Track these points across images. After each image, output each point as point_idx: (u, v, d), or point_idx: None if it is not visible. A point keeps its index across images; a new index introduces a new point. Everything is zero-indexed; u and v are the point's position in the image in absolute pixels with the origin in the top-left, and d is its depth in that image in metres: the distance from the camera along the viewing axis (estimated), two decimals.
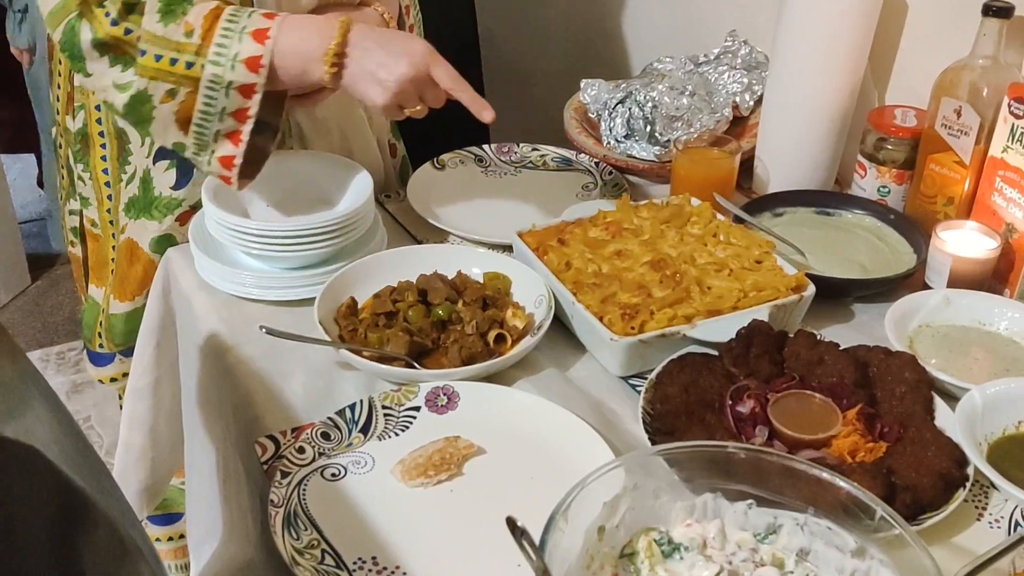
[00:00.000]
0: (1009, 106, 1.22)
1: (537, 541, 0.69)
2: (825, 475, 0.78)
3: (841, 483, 0.77)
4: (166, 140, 1.21)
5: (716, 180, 1.44)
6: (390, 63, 1.16)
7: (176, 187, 1.37)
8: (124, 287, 1.45)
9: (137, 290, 1.44)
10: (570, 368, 1.17)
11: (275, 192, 1.32)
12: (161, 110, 1.17)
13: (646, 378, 1.09)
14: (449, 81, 1.19)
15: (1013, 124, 1.22)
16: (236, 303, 1.25)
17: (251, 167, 1.23)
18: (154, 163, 1.37)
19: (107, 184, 1.42)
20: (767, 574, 0.76)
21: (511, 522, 0.65)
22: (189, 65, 1.15)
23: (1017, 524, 0.95)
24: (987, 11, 1.26)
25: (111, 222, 1.44)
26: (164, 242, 1.39)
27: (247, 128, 1.18)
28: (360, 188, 1.31)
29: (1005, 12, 1.26)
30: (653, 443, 0.99)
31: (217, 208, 1.23)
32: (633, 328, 1.12)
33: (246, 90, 1.16)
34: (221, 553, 1.24)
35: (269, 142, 1.25)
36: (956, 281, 1.25)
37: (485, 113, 1.20)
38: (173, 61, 1.15)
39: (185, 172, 1.36)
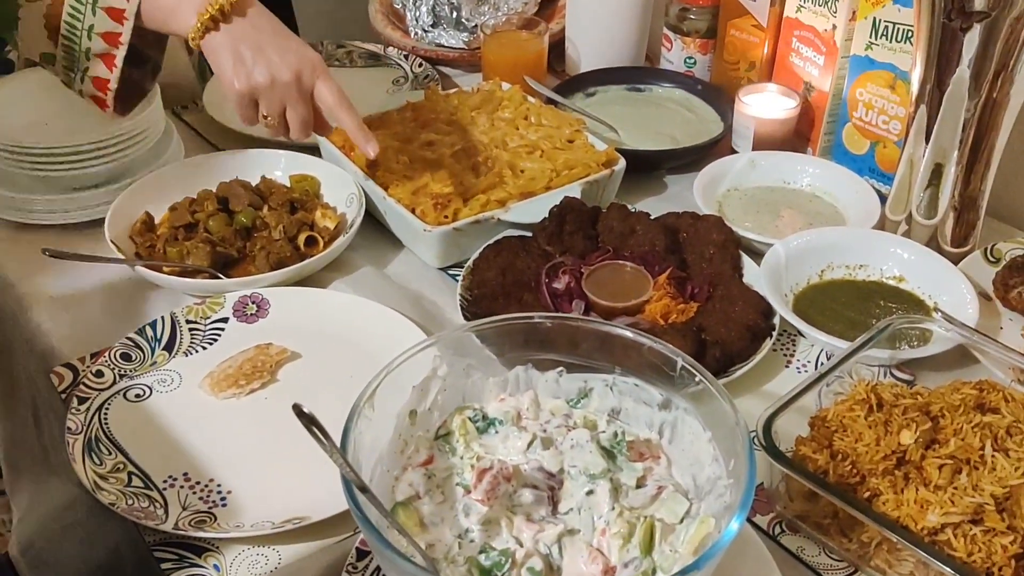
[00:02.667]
0: None
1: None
2: (628, 334, 0.78)
3: (643, 340, 0.77)
4: (34, 49, 1.08)
5: (526, 63, 1.42)
6: (270, 53, 1.03)
7: None
8: None
9: None
10: (388, 265, 1.14)
11: (54, 107, 1.21)
12: (29, 9, 1.04)
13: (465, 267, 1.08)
14: (335, 100, 1.06)
15: None
16: (23, 232, 1.16)
17: (127, 102, 1.13)
18: None
19: None
20: (578, 435, 0.76)
21: (297, 409, 0.62)
22: None
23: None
24: None
25: None
26: None
27: (120, 53, 1.06)
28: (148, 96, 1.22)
29: None
30: None
31: None
32: (446, 217, 1.10)
33: (115, 14, 1.03)
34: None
35: (148, 78, 1.14)
36: (761, 143, 1.28)
37: (370, 147, 1.07)
38: None
39: None
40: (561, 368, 0.80)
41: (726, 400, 0.71)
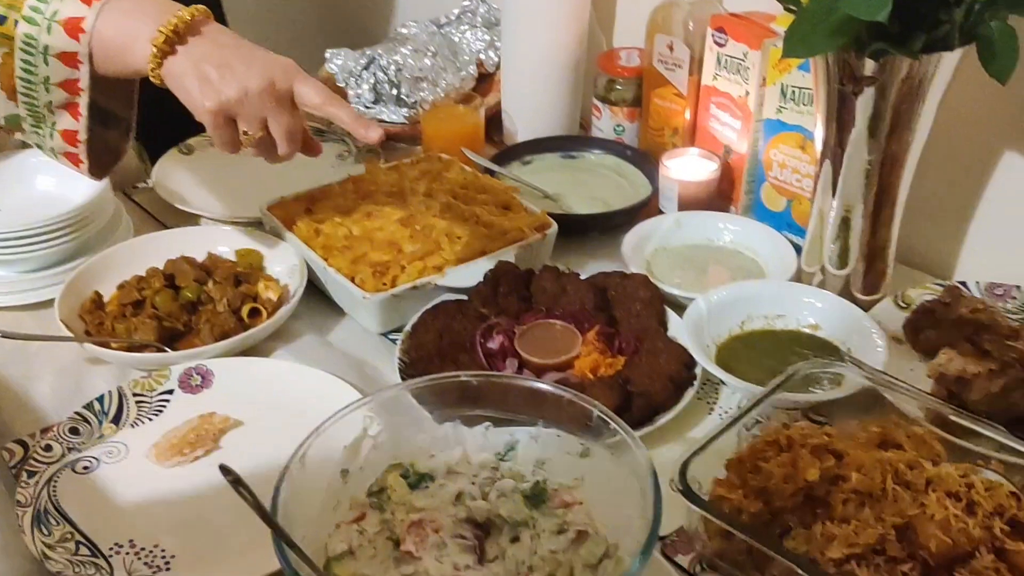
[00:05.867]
0: (713, 36, 1.32)
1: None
2: (549, 388, 0.83)
3: (562, 393, 0.82)
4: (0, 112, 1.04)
5: (464, 135, 1.48)
6: (236, 66, 0.97)
7: None
8: None
9: None
10: (330, 332, 1.18)
11: (9, 195, 1.26)
12: None
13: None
14: (320, 98, 1.01)
15: (718, 53, 1.32)
16: None
17: (103, 165, 1.10)
18: None
19: None
20: (504, 486, 0.80)
21: (223, 468, 0.66)
22: (2, 20, 0.96)
23: None
24: None
25: None
26: None
27: (83, 100, 1.01)
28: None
29: None
30: None
31: None
32: (385, 284, 1.15)
33: (68, 59, 0.98)
34: None
35: (122, 140, 1.10)
36: (685, 204, 1.35)
37: (371, 132, 1.03)
38: None
39: None
40: (488, 423, 0.85)
41: (637, 446, 0.76)
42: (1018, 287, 1.18)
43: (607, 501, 0.79)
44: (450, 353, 1.08)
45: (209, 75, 0.97)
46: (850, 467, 0.85)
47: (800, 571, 0.77)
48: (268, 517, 0.65)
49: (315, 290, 1.20)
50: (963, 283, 1.19)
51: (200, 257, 1.22)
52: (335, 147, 1.56)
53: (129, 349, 1.08)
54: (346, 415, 0.80)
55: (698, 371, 1.05)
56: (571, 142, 1.54)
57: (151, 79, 1.00)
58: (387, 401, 0.84)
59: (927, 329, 1.10)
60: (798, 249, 1.24)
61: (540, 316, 1.12)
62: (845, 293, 1.17)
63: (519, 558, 0.75)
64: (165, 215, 1.40)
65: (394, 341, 1.16)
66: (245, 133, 1.02)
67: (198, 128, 1.50)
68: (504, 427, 0.85)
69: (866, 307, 1.14)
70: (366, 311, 1.15)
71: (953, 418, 0.92)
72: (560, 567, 0.73)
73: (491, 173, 1.42)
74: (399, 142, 1.60)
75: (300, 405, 1.02)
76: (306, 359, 1.10)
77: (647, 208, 1.37)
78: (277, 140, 1.02)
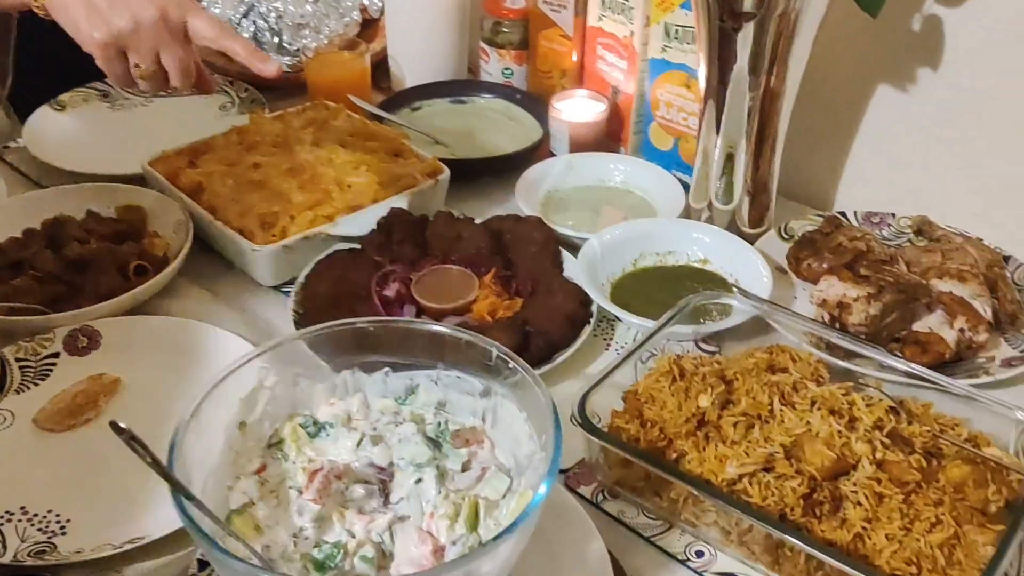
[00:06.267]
0: None
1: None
2: (447, 331, 0.83)
3: (461, 335, 0.82)
4: None
5: (349, 82, 1.46)
6: None
7: None
8: None
9: None
10: (220, 287, 1.16)
11: None
12: None
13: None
14: (214, 31, 0.97)
15: None
16: None
17: None
18: None
19: None
20: (405, 430, 0.80)
21: (115, 426, 0.64)
22: None
23: None
24: None
25: None
26: None
27: None
28: None
29: None
30: None
31: None
32: (275, 235, 1.13)
33: None
34: None
35: None
36: (576, 146, 1.36)
37: (269, 67, 1.00)
38: None
39: None
40: (387, 368, 0.85)
41: (537, 383, 0.77)
42: (893, 215, 1.24)
43: (509, 438, 0.80)
44: (346, 303, 1.07)
45: (97, 4, 0.93)
46: (739, 392, 0.88)
47: (696, 492, 0.80)
48: (165, 472, 0.64)
49: (203, 245, 1.17)
50: (842, 213, 1.24)
51: (80, 216, 1.17)
52: (217, 98, 1.51)
53: (10, 313, 1.04)
54: (240, 367, 0.78)
55: (594, 309, 1.07)
56: (460, 87, 1.53)
57: (36, 11, 0.94)
58: (282, 352, 0.82)
59: (809, 258, 1.14)
60: (686, 187, 1.26)
61: (436, 262, 1.12)
62: (732, 227, 1.20)
63: (424, 498, 0.75)
64: (40, 175, 1.33)
65: (287, 293, 1.14)
66: (137, 66, 0.97)
67: (69, 84, 1.46)
68: (404, 372, 0.85)
69: (752, 240, 1.17)
70: (256, 264, 1.13)
71: (836, 341, 0.97)
72: (465, 504, 0.74)
73: (379, 120, 1.40)
74: (283, 91, 1.56)
75: (192, 361, 1.01)
76: (196, 315, 1.08)
77: (539, 151, 1.38)
78: (170, 73, 0.99)
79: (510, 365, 0.79)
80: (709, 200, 1.21)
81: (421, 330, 0.84)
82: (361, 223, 1.15)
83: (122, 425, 0.64)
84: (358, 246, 1.15)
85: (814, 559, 0.77)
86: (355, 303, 1.07)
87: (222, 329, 1.03)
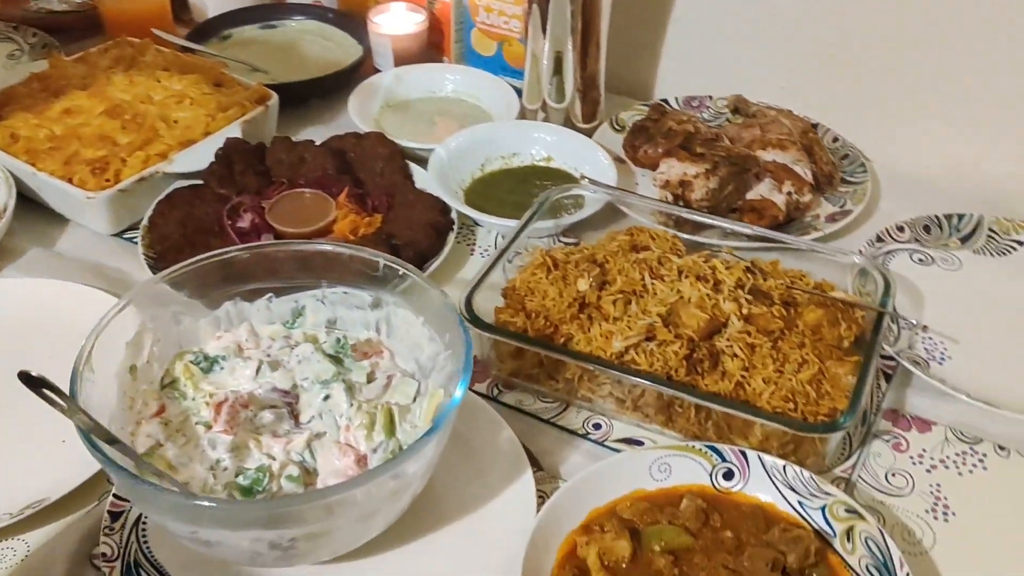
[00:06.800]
0: None
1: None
2: (328, 247, 0.83)
3: (343, 250, 0.82)
4: None
5: (148, 16, 1.38)
6: None
7: None
8: None
9: None
10: (57, 242, 1.09)
11: None
12: None
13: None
14: None
15: None
16: None
17: None
18: None
19: None
20: (303, 350, 0.80)
21: (25, 376, 0.61)
22: None
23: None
24: None
25: None
26: None
27: None
28: None
29: None
30: None
31: None
32: (108, 181, 1.07)
33: None
34: None
35: None
36: (400, 59, 1.35)
37: None
38: None
39: None
40: (270, 294, 0.84)
41: (429, 284, 0.78)
42: (710, 97, 1.32)
43: (407, 345, 0.82)
44: (199, 239, 1.03)
45: None
46: (613, 272, 0.93)
47: (590, 367, 0.85)
48: (85, 414, 0.61)
49: (28, 201, 1.09)
50: (665, 100, 1.30)
51: None
52: (4, 46, 1.39)
53: None
54: (118, 313, 0.75)
55: (453, 216, 1.08)
56: (268, 11, 1.47)
57: None
58: (148, 297, 0.78)
59: (644, 145, 1.20)
60: (516, 89, 1.29)
61: (283, 189, 1.10)
62: (568, 124, 1.24)
63: (337, 412, 0.76)
64: None
65: (130, 239, 1.08)
66: None
67: None
68: (287, 295, 0.84)
69: (588, 134, 1.22)
70: (92, 212, 1.06)
71: (686, 216, 1.03)
72: (380, 412, 0.75)
73: (190, 52, 1.33)
74: (79, 31, 1.45)
75: (48, 319, 0.95)
76: (38, 273, 1.01)
77: (363, 68, 1.36)
78: None
79: (400, 272, 0.80)
80: (543, 100, 1.24)
81: (299, 251, 0.83)
82: (198, 157, 1.10)
83: (34, 374, 0.60)
84: (199, 181, 1.10)
85: (703, 411, 0.83)
86: (209, 238, 1.03)
87: (72, 283, 0.97)
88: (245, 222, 1.05)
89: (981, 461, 0.85)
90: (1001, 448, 0.86)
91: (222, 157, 1.10)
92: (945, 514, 0.81)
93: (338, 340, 0.81)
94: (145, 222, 1.05)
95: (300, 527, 0.65)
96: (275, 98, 1.21)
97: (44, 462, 0.79)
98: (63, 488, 0.77)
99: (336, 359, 0.80)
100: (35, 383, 0.61)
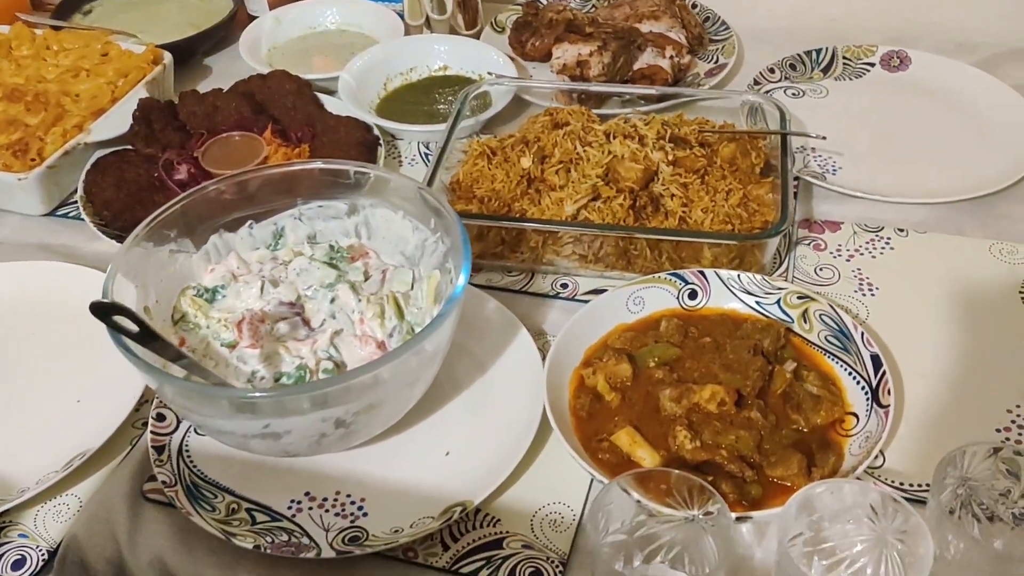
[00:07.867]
0: None
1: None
2: (296, 166, 0.88)
3: (311, 165, 0.88)
4: None
5: (7, 4, 1.35)
6: None
7: None
8: None
9: None
10: None
11: None
12: None
13: (76, 202, 1.07)
14: None
15: None
16: None
17: None
18: None
19: None
20: (300, 263, 0.86)
21: (97, 306, 0.64)
22: None
23: (427, 153, 1.16)
24: None
25: None
26: None
27: None
28: None
29: None
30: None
31: None
32: (34, 160, 1.07)
33: None
34: None
35: None
36: (275, 1, 1.38)
37: None
38: None
39: None
40: (250, 221, 0.88)
41: (400, 175, 0.85)
42: None
43: (391, 242, 0.88)
44: (144, 197, 1.05)
45: None
46: (548, 147, 1.02)
47: (555, 229, 0.94)
48: (155, 334, 0.66)
49: None
50: None
51: None
52: None
53: None
54: (119, 272, 0.78)
55: (376, 133, 1.14)
56: None
57: None
58: (131, 261, 0.81)
59: (530, 39, 1.28)
60: (396, 12, 1.34)
61: (207, 139, 1.13)
62: (453, 33, 1.31)
63: (349, 309, 0.82)
64: None
65: (66, 215, 1.10)
66: None
67: None
68: (265, 219, 0.89)
69: (475, 39, 1.29)
70: (25, 194, 1.07)
71: (593, 89, 1.13)
72: (388, 301, 0.82)
73: (60, 29, 1.32)
74: None
75: (36, 299, 0.96)
76: None
77: (238, 18, 1.38)
78: None
79: (370, 176, 0.86)
80: (426, 15, 1.30)
81: (270, 174, 0.88)
82: (115, 123, 1.12)
83: (102, 302, 0.64)
84: (120, 147, 1.12)
85: (656, 248, 0.94)
86: (153, 195, 1.06)
87: (29, 261, 0.99)
88: (182, 174, 1.08)
89: (887, 243, 1.00)
90: (900, 230, 1.01)
91: (140, 118, 1.12)
92: (871, 290, 0.95)
93: (331, 247, 0.87)
94: (81, 193, 1.07)
95: (359, 400, 0.72)
96: (170, 56, 1.23)
97: (69, 423, 0.84)
98: (100, 438, 0.80)
99: (333, 265, 0.86)
100: (107, 310, 0.65)
